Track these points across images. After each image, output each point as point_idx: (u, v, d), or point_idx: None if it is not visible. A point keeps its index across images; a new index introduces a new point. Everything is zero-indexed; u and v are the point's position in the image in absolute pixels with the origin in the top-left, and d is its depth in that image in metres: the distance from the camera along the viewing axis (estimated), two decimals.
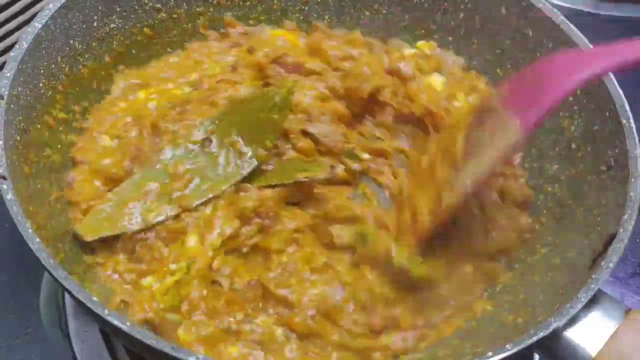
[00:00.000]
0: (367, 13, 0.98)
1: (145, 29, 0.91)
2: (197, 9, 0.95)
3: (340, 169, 0.84)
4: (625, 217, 0.70)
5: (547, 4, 0.86)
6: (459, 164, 0.74)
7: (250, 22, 0.98)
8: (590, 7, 1.22)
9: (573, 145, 0.83)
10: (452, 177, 0.74)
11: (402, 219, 0.79)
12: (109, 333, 0.81)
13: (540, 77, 0.68)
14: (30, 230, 0.64)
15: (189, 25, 0.95)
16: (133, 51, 0.91)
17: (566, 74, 0.65)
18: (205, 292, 0.74)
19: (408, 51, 0.95)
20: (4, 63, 0.73)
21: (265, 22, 0.99)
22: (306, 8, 0.99)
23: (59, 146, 0.81)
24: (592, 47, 0.82)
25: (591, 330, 0.66)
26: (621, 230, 0.69)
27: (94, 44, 0.86)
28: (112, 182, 0.80)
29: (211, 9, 0.96)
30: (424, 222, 0.76)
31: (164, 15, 0.92)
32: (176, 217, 0.77)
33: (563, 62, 0.68)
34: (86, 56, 0.85)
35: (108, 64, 0.88)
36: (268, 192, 0.79)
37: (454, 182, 0.74)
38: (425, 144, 0.84)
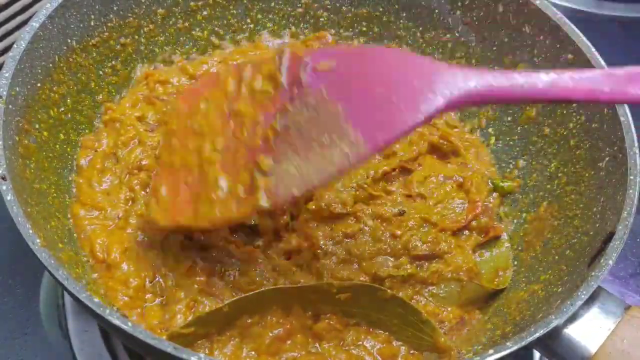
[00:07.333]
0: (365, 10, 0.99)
1: (143, 27, 0.91)
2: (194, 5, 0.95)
3: None
4: (624, 214, 0.70)
5: (544, 0, 0.86)
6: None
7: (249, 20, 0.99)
8: (590, 6, 1.22)
9: (572, 142, 0.83)
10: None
11: None
12: (110, 333, 0.81)
13: (391, 98, 0.60)
14: (30, 231, 0.64)
15: (187, 24, 0.95)
16: (131, 50, 0.91)
17: (420, 102, 0.58)
18: None
19: None
20: (2, 63, 0.73)
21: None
22: None
23: (58, 146, 0.81)
24: (588, 43, 0.82)
25: (591, 328, 0.66)
26: (620, 227, 0.69)
27: (91, 42, 0.85)
28: None
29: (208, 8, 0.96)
30: None
31: (162, 13, 0.92)
32: None
33: (415, 83, 0.59)
34: (83, 55, 0.85)
35: (106, 63, 0.88)
36: None
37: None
38: None
